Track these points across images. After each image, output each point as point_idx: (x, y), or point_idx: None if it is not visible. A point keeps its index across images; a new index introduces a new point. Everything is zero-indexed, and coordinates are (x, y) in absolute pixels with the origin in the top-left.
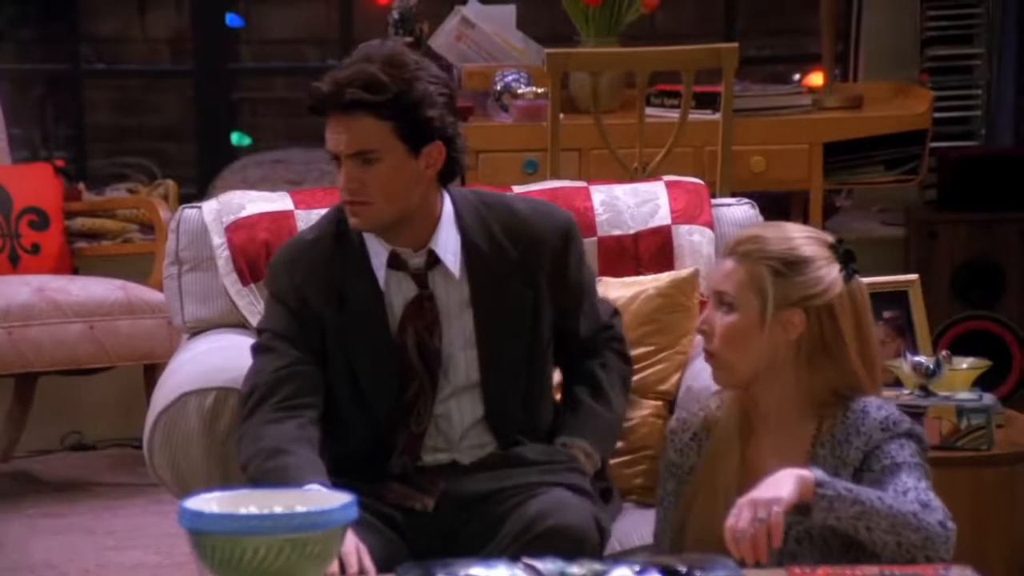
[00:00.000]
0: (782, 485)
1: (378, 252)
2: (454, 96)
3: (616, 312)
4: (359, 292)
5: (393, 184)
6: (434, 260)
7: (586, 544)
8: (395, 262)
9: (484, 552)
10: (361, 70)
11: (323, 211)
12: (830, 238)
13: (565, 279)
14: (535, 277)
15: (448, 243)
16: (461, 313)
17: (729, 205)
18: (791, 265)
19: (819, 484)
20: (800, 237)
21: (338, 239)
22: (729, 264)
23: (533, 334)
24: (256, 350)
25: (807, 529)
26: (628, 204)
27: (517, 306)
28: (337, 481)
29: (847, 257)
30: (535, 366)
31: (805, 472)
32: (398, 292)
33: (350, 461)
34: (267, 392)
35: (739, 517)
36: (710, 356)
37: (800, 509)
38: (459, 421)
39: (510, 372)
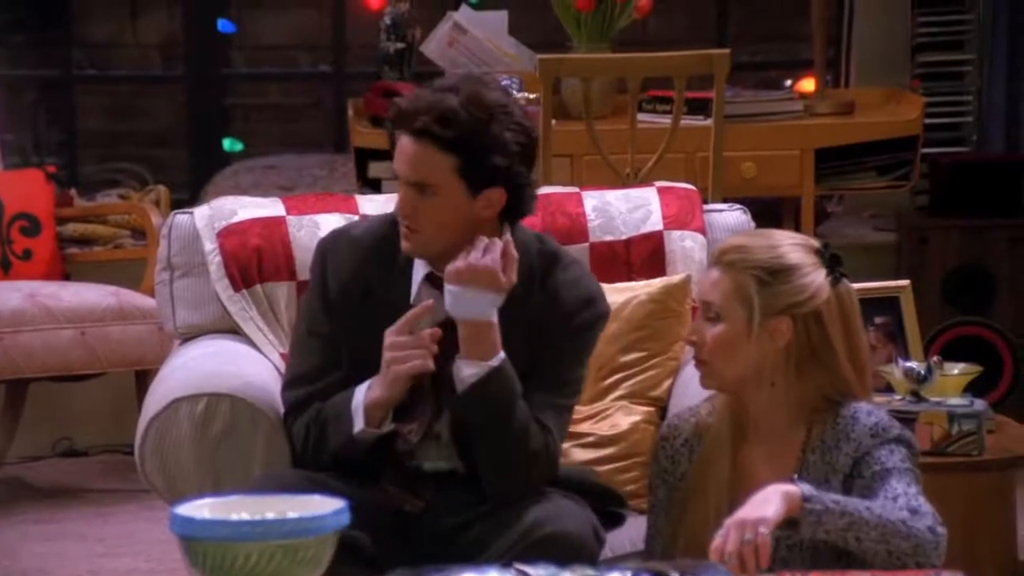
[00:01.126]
0: (768, 503)
1: (419, 268)
2: (532, 145)
3: (551, 433)
4: (390, 298)
5: (445, 219)
6: None
7: (584, 551)
8: (433, 279)
9: (481, 558)
10: (440, 100)
11: (315, 216)
12: (816, 243)
13: (552, 355)
14: (533, 335)
15: None
16: None
17: (721, 211)
18: (776, 273)
19: (806, 499)
20: (785, 244)
21: (386, 240)
22: (715, 274)
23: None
24: (292, 345)
25: (797, 539)
26: (620, 210)
27: (511, 355)
28: (334, 480)
29: (833, 262)
30: None
31: (791, 487)
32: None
33: (349, 459)
34: (304, 399)
35: (726, 539)
36: (699, 363)
37: (788, 524)
38: (449, 443)
39: None
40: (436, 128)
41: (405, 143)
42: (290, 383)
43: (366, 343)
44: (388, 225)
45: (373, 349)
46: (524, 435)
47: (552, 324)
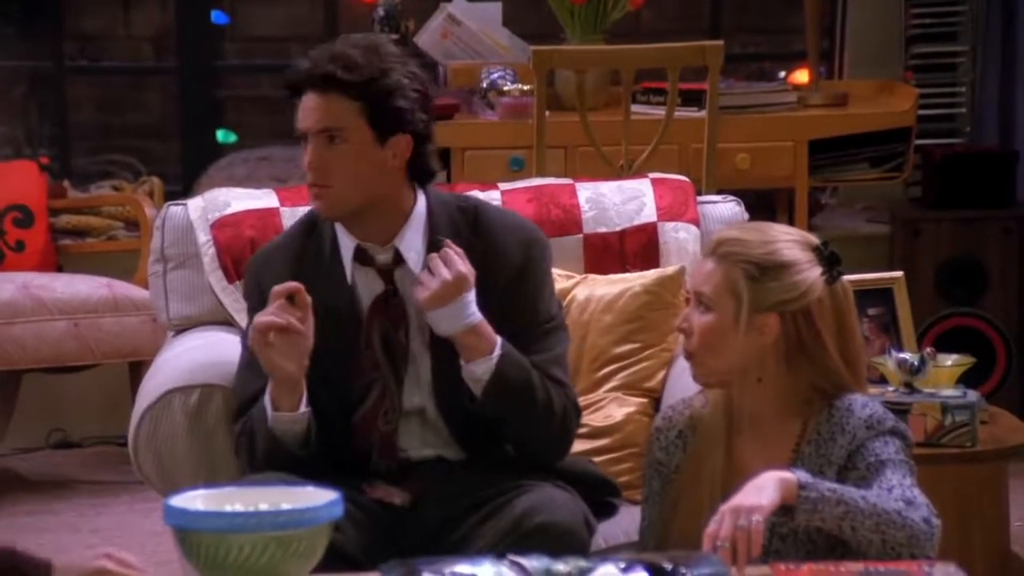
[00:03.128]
0: (764, 491)
1: (347, 246)
2: (428, 96)
3: (564, 385)
4: (326, 288)
5: (356, 168)
6: (400, 257)
7: (575, 541)
8: (362, 256)
9: (472, 550)
10: (339, 50)
11: (308, 208)
12: (815, 240)
13: (515, 300)
14: (488, 289)
15: (413, 242)
16: (422, 312)
17: (715, 202)
18: (767, 270)
19: (802, 486)
20: (781, 240)
21: (308, 238)
22: (709, 265)
23: None
24: (239, 364)
25: (792, 527)
26: (614, 201)
27: None
28: (320, 473)
29: (831, 260)
30: None
31: (788, 474)
32: (365, 287)
33: (335, 456)
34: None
35: (720, 524)
36: (688, 355)
37: (784, 511)
38: (435, 418)
39: (460, 378)
40: (340, 73)
41: (309, 98)
42: (239, 411)
43: (315, 343)
44: (306, 226)
45: (321, 347)
46: (550, 401)
47: (503, 276)
